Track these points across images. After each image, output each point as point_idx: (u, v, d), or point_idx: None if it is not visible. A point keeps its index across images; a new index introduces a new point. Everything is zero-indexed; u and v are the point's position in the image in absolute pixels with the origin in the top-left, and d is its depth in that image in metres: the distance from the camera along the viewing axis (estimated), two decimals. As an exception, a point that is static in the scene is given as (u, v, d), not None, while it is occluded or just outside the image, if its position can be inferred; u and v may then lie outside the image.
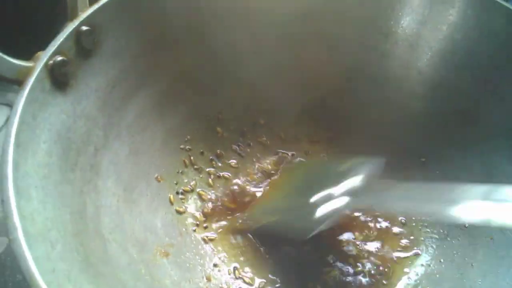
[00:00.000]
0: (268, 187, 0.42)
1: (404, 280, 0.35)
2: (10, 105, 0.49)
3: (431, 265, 0.36)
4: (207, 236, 0.37)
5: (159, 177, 0.37)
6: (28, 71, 0.29)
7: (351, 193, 0.34)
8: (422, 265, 0.36)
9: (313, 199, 0.35)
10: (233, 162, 0.43)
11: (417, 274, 0.36)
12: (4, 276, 0.37)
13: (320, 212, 0.34)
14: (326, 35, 0.42)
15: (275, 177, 0.42)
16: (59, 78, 0.30)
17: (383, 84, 0.43)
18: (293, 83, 0.44)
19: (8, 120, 0.27)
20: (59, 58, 0.30)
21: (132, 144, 0.36)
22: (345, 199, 0.34)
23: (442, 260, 0.36)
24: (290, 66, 0.43)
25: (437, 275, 0.35)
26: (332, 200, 0.34)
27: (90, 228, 0.28)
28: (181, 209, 0.38)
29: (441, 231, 0.37)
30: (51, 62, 0.29)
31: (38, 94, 0.28)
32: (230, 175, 0.42)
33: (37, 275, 0.20)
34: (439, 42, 0.40)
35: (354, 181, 0.35)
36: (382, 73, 0.42)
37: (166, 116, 0.39)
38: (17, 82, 0.29)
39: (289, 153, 0.44)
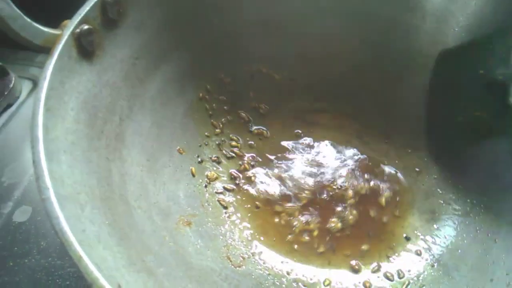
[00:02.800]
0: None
1: (425, 255, 0.35)
2: (33, 79, 0.50)
3: (454, 241, 0.36)
4: (227, 208, 0.38)
5: (181, 149, 0.38)
6: (55, 39, 0.29)
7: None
8: (444, 240, 0.36)
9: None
10: (251, 142, 0.43)
11: (438, 249, 0.36)
12: (29, 243, 0.38)
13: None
14: (352, 9, 0.41)
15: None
16: (85, 47, 0.30)
17: (408, 60, 0.42)
18: (315, 57, 0.43)
19: (35, 88, 0.27)
20: (86, 26, 0.30)
21: (155, 116, 0.36)
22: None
23: (464, 236, 0.35)
24: (313, 40, 0.43)
25: (459, 251, 0.35)
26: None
27: (116, 195, 0.29)
28: (202, 181, 0.38)
29: (464, 207, 0.37)
30: (77, 30, 0.29)
31: (66, 61, 0.28)
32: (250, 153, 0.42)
33: (69, 233, 0.21)
34: (468, 17, 0.39)
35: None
36: (407, 49, 0.42)
37: (187, 90, 0.39)
38: (44, 49, 0.29)
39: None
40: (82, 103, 0.29)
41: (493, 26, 0.38)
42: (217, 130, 0.41)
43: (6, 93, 0.47)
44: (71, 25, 0.29)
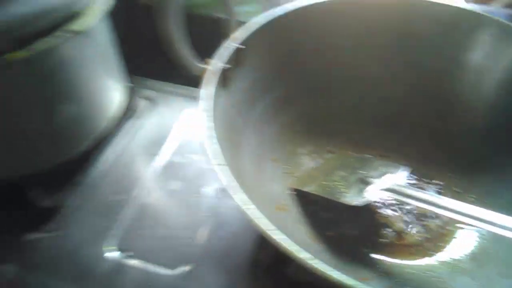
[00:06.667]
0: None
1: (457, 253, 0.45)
2: (148, 99, 0.63)
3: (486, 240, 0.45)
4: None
5: (274, 159, 0.50)
6: (202, 70, 0.42)
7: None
8: (477, 239, 0.45)
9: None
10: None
11: (471, 249, 0.44)
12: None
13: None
14: (404, 59, 0.53)
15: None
16: (223, 79, 0.43)
17: (450, 102, 0.52)
18: (370, 101, 0.55)
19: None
20: (225, 65, 0.43)
21: (257, 133, 0.49)
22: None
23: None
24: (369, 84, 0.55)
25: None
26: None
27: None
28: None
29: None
30: (221, 67, 0.43)
31: (214, 87, 0.41)
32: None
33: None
34: (502, 73, 0.49)
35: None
36: (451, 97, 0.52)
37: (280, 115, 0.52)
38: (197, 77, 0.42)
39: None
40: (220, 115, 0.42)
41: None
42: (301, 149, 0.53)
43: (134, 109, 0.61)
44: (216, 63, 0.43)
